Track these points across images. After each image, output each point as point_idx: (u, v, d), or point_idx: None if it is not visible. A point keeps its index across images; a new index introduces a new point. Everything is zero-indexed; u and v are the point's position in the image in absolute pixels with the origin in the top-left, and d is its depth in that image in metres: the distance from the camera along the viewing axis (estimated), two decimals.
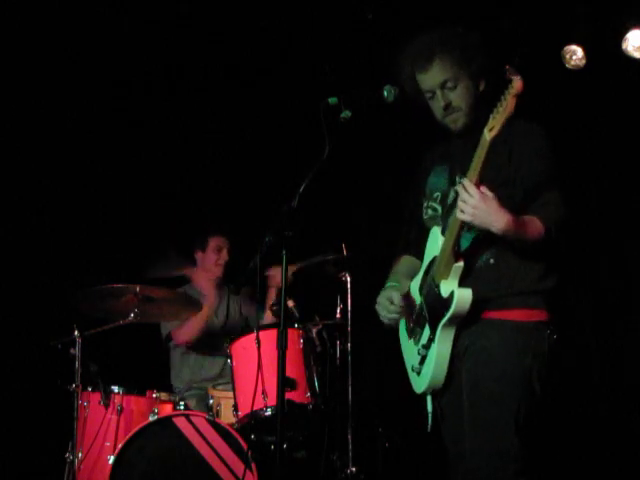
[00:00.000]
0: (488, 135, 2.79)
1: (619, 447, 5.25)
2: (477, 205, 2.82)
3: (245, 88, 5.84)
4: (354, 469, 4.58)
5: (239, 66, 5.78)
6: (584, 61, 5.33)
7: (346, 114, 3.11)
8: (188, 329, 5.10)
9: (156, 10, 5.42)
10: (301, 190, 3.05)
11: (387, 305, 3.16)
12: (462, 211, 2.85)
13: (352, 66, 5.42)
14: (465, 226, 2.94)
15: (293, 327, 4.52)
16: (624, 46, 5.17)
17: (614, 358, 5.43)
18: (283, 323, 3.05)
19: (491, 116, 2.79)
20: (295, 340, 4.47)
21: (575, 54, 5.34)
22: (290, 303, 4.75)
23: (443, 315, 2.97)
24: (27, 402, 5.40)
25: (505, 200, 2.90)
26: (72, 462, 4.45)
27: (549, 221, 2.95)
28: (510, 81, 2.76)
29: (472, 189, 2.82)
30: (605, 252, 5.56)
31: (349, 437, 4.64)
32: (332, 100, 3.12)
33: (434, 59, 3.07)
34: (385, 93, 3.14)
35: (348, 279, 4.88)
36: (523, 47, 5.37)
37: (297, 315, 4.77)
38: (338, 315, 4.85)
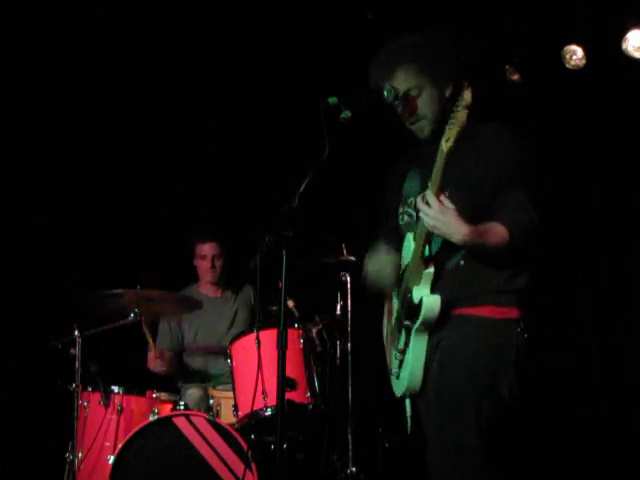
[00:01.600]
0: (445, 146, 2.82)
1: (619, 447, 5.25)
2: (435, 216, 2.86)
3: (245, 88, 5.84)
4: (354, 469, 4.59)
5: (239, 66, 5.78)
6: (584, 61, 5.33)
7: (346, 114, 3.10)
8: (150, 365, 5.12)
9: (156, 10, 5.42)
10: (301, 190, 3.05)
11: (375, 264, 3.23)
12: (424, 221, 2.89)
13: (352, 66, 5.41)
14: (431, 236, 2.96)
15: (293, 327, 4.52)
16: (624, 46, 5.17)
17: (614, 358, 5.43)
18: (283, 323, 3.05)
19: (447, 127, 2.82)
20: (295, 340, 4.46)
21: (575, 54, 5.34)
22: (290, 303, 4.75)
23: (414, 321, 3.00)
24: (27, 402, 5.40)
25: (473, 205, 2.91)
26: (72, 462, 4.45)
27: (513, 226, 2.93)
28: (461, 93, 2.81)
29: (431, 199, 2.86)
30: (605, 252, 5.56)
31: (349, 437, 4.64)
32: (332, 100, 3.11)
33: (397, 68, 3.11)
34: (385, 93, 3.14)
35: (348, 279, 4.89)
36: (523, 47, 5.38)
37: (297, 315, 4.78)
38: (338, 311, 4.85)
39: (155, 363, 5.00)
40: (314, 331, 4.66)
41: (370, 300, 4.86)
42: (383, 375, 5.65)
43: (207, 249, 5.32)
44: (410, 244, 3.11)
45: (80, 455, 4.45)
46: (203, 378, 5.19)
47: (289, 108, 5.80)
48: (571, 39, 5.33)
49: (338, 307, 4.92)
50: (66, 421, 4.51)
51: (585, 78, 5.37)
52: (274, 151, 5.95)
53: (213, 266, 5.31)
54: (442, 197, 2.86)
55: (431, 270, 2.99)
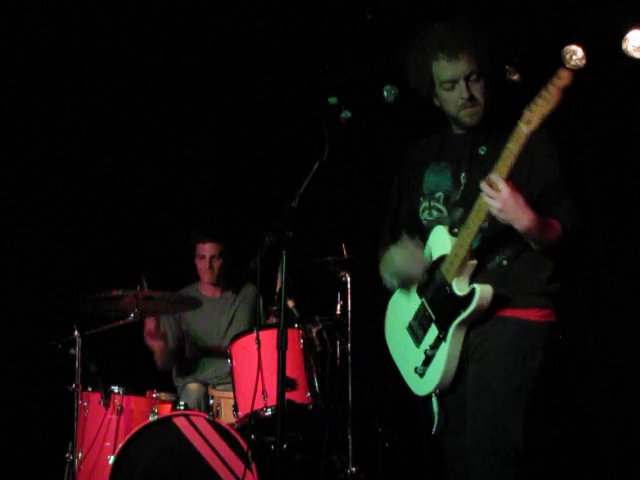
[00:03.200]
0: (526, 128, 2.74)
1: (619, 447, 5.24)
2: (506, 200, 2.79)
3: (245, 88, 5.84)
4: (354, 469, 4.58)
5: (238, 66, 5.78)
6: (584, 61, 5.33)
7: (346, 114, 3.11)
8: (155, 359, 5.13)
9: (155, 10, 5.42)
10: (301, 190, 3.05)
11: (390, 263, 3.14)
12: (491, 205, 2.82)
13: (352, 66, 5.42)
14: (484, 224, 2.91)
15: (293, 327, 4.52)
16: (624, 46, 5.17)
17: (614, 358, 5.42)
18: (283, 323, 3.05)
19: (527, 110, 2.74)
20: (295, 340, 4.46)
21: (575, 54, 5.34)
22: (290, 303, 4.75)
23: (459, 313, 2.96)
24: (27, 402, 5.40)
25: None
26: (72, 462, 4.45)
27: (567, 225, 2.94)
28: (555, 72, 2.67)
29: (501, 183, 2.79)
30: (605, 252, 5.55)
31: (349, 437, 4.64)
32: (332, 100, 3.12)
33: (466, 48, 3.01)
34: (385, 93, 3.14)
35: (348, 279, 4.89)
36: (523, 47, 5.38)
37: (297, 315, 4.78)
38: (338, 311, 4.85)
39: (153, 335, 4.98)
40: (314, 331, 4.65)
41: (370, 300, 4.88)
42: (383, 375, 5.66)
43: (207, 249, 5.29)
44: (444, 237, 3.06)
45: (80, 455, 4.45)
46: (201, 378, 5.18)
47: (289, 108, 5.80)
48: (571, 39, 5.33)
49: (338, 307, 4.92)
50: (66, 421, 4.51)
51: (585, 78, 5.37)
52: (274, 151, 5.95)
53: (211, 266, 5.29)
54: (510, 183, 2.80)
55: (475, 262, 2.97)
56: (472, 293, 2.92)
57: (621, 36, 5.17)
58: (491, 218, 2.91)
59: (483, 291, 2.92)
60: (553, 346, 3.01)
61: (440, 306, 3.05)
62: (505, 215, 2.83)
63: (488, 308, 2.94)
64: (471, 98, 3.02)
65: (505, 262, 3.01)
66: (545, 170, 2.99)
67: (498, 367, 2.95)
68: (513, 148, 2.78)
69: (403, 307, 3.23)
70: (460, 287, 2.96)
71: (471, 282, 2.97)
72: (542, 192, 2.97)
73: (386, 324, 3.34)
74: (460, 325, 2.98)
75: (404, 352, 3.20)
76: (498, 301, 2.96)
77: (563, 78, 2.66)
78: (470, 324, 2.98)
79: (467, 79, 3.02)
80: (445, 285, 3.02)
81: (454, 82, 3.03)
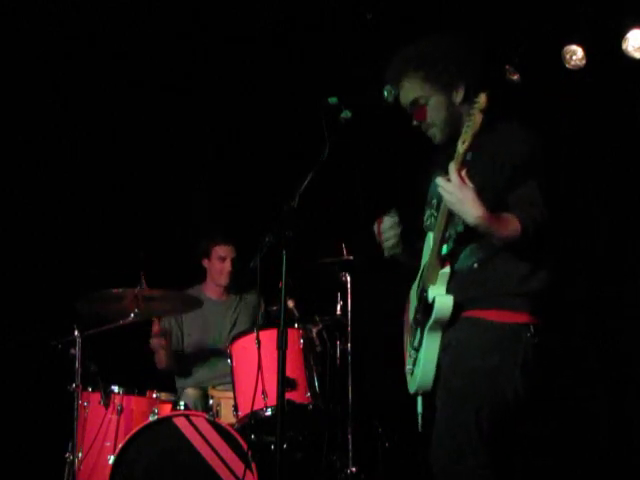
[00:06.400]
0: (461, 148, 2.82)
1: (619, 447, 5.25)
2: (453, 191, 2.83)
3: (245, 88, 5.84)
4: (354, 469, 4.59)
5: (239, 66, 5.78)
6: (584, 61, 5.34)
7: (346, 114, 3.12)
8: (157, 360, 5.15)
9: (155, 10, 5.42)
10: (301, 190, 3.06)
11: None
12: (442, 195, 2.88)
13: (352, 66, 5.42)
14: (447, 232, 2.95)
15: (293, 327, 4.52)
16: (624, 46, 5.17)
17: (614, 359, 5.43)
18: (283, 323, 3.06)
19: (463, 129, 2.83)
20: (295, 340, 4.47)
21: (575, 54, 5.35)
22: (290, 303, 4.75)
23: (427, 320, 3.01)
24: (27, 402, 5.40)
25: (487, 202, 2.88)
26: (72, 462, 4.45)
27: (526, 220, 2.90)
28: (476, 97, 2.81)
29: (452, 174, 2.83)
30: (605, 251, 5.56)
31: (349, 437, 4.64)
32: (332, 100, 3.12)
33: (402, 78, 3.12)
34: (385, 93, 3.15)
35: (348, 279, 4.89)
36: (523, 47, 5.38)
37: (297, 315, 4.78)
38: (338, 311, 4.86)
39: (157, 339, 5.01)
40: (314, 331, 4.66)
41: (370, 300, 4.88)
42: (383, 375, 5.67)
43: (227, 251, 5.26)
44: (430, 243, 3.11)
45: (80, 455, 4.45)
46: (201, 380, 5.18)
47: (289, 107, 5.80)
48: (571, 39, 5.33)
49: (338, 307, 4.93)
50: (66, 421, 4.51)
51: (585, 78, 5.37)
52: (274, 151, 5.95)
53: (230, 269, 5.27)
54: (463, 173, 2.83)
55: (447, 270, 2.99)
56: (433, 303, 2.98)
57: (621, 36, 5.17)
58: (461, 221, 2.94)
59: (440, 302, 2.96)
60: (524, 349, 2.96)
61: (421, 310, 3.10)
62: (453, 207, 2.86)
63: (450, 317, 2.97)
64: (422, 122, 3.13)
65: (476, 265, 3.01)
66: (509, 165, 2.97)
67: (455, 366, 2.98)
68: (455, 164, 2.85)
69: (411, 306, 3.29)
70: (432, 294, 3.00)
71: (448, 288, 3.00)
72: (505, 188, 2.96)
73: (404, 320, 3.41)
74: (430, 331, 3.01)
75: (407, 350, 3.28)
76: (466, 304, 2.98)
77: (481, 102, 2.79)
78: (442, 329, 3.01)
79: (414, 105, 3.13)
80: (424, 291, 3.07)
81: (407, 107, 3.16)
